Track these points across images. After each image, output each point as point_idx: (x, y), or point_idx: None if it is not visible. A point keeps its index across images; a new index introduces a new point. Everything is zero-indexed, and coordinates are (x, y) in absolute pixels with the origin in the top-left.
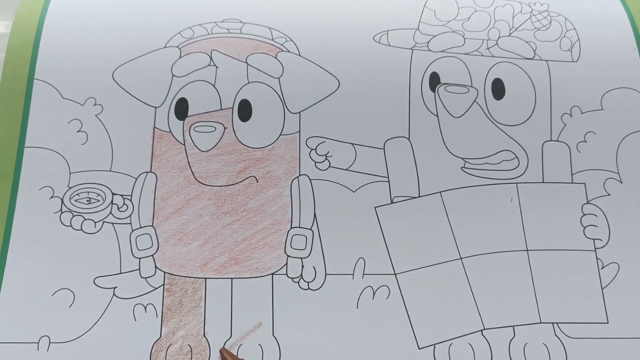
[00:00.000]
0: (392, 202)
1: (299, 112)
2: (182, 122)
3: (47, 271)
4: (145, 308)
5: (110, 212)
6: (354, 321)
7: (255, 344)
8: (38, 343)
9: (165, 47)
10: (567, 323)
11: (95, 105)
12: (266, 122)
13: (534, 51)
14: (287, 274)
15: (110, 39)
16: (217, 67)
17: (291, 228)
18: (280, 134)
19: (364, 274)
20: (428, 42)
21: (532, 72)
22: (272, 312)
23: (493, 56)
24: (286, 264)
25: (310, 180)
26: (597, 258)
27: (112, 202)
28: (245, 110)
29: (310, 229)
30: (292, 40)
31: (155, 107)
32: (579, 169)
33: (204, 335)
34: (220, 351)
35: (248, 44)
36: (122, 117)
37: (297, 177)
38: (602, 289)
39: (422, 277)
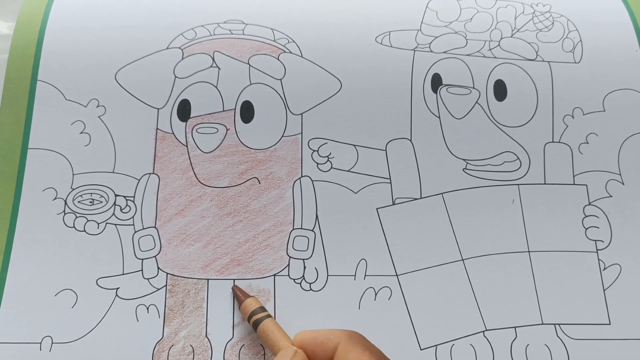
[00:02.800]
0: (393, 204)
1: (301, 114)
2: (184, 123)
3: (50, 272)
4: (147, 309)
5: (113, 214)
6: (355, 322)
7: (257, 345)
8: (41, 343)
9: (167, 48)
10: (569, 324)
11: (98, 106)
12: (268, 123)
13: (536, 52)
14: (289, 275)
15: (112, 40)
16: (219, 68)
17: (293, 229)
18: (283, 136)
19: (365, 275)
20: (430, 43)
21: (534, 73)
22: (274, 313)
23: (495, 57)
24: (288, 265)
25: (312, 181)
26: (599, 259)
27: (115, 204)
28: (247, 112)
29: (312, 230)
30: (294, 42)
31: (158, 109)
32: (581, 170)
33: (206, 336)
34: (233, 288)
35: (250, 45)
36: (125, 119)
37: (299, 178)
38: (604, 290)
39: (424, 278)
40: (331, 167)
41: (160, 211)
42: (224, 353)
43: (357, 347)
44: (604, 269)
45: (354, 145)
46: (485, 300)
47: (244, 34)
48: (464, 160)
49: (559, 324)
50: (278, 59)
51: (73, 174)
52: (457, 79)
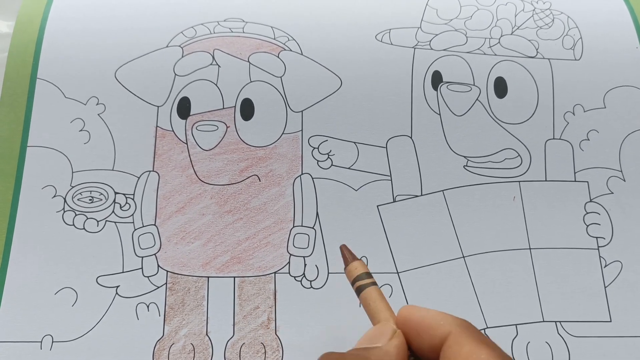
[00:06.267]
0: (394, 201)
1: (302, 111)
2: (184, 121)
3: (49, 270)
4: (147, 307)
5: (113, 211)
6: (356, 320)
7: (258, 343)
8: (41, 342)
9: (167, 46)
10: (570, 321)
11: (97, 104)
12: (268, 121)
13: (537, 49)
14: (289, 273)
15: (112, 39)
16: (219, 66)
17: (293, 227)
18: (283, 133)
19: None
20: (430, 41)
21: (535, 70)
22: (275, 310)
23: (495, 54)
24: (289, 262)
25: (312, 179)
26: (600, 256)
27: (114, 201)
28: (247, 109)
29: (313, 228)
30: (294, 39)
31: (158, 106)
32: (582, 167)
33: (207, 334)
34: (341, 247)
35: (250, 43)
36: (125, 116)
37: (300, 175)
38: (605, 287)
39: (425, 276)
40: (331, 165)
41: (160, 209)
42: (225, 351)
43: (472, 340)
44: (605, 266)
45: (355, 143)
46: (486, 298)
47: (243, 32)
48: (464, 157)
49: (560, 322)
50: (278, 57)
51: (72, 172)
52: (457, 76)
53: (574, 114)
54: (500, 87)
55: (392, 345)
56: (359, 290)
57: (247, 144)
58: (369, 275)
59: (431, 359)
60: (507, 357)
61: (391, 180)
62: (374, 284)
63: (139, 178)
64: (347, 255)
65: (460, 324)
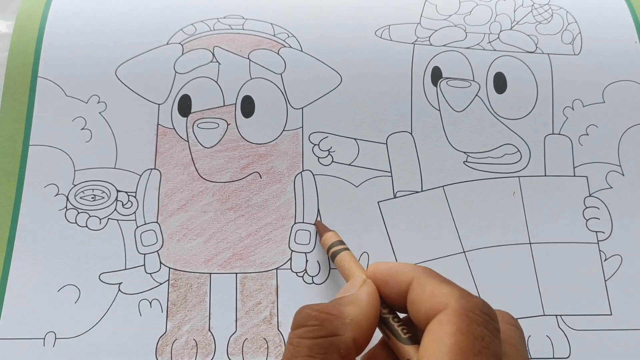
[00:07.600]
0: (395, 197)
1: (302, 108)
2: (185, 118)
3: (52, 268)
4: (150, 303)
5: (115, 209)
6: None
7: (260, 338)
8: (44, 339)
9: (167, 43)
10: (570, 315)
11: (98, 102)
12: (269, 118)
13: (536, 44)
14: (291, 269)
15: (112, 37)
16: (219, 63)
17: (295, 223)
18: (283, 130)
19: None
20: (430, 37)
21: (534, 65)
22: (277, 306)
23: (495, 50)
24: (290, 258)
25: (313, 175)
26: (599, 250)
27: (116, 199)
28: (248, 106)
29: (314, 224)
30: (294, 36)
31: (159, 104)
32: (581, 162)
33: (209, 330)
34: (315, 223)
35: (250, 40)
36: (126, 114)
37: (301, 172)
38: (605, 281)
39: None
40: (332, 161)
41: (162, 206)
42: (227, 347)
43: (433, 280)
44: (605, 259)
45: (355, 139)
46: (487, 292)
47: (243, 29)
48: (464, 152)
49: (560, 315)
50: (278, 54)
51: (74, 170)
52: (457, 72)
53: (573, 108)
54: (500, 83)
55: (362, 291)
56: (333, 256)
57: (247, 141)
58: (341, 242)
59: (401, 305)
60: (467, 292)
61: (391, 176)
62: (347, 249)
63: (140, 176)
64: (322, 228)
65: (422, 270)
